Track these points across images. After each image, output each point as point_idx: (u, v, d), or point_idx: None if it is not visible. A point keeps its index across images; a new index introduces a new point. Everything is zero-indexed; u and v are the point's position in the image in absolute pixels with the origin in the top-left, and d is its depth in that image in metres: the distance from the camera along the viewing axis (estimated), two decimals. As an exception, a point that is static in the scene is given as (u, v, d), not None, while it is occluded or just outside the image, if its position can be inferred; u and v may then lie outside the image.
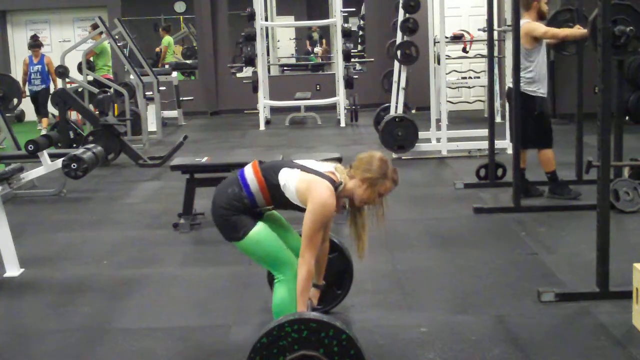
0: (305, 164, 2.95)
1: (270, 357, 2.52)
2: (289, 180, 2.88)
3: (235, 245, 2.98)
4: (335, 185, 2.87)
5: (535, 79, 5.47)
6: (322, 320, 2.53)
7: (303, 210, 2.88)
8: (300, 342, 2.52)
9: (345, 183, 2.91)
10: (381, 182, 2.89)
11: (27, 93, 10.84)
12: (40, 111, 11.02)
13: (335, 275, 3.40)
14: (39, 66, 10.85)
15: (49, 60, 11.00)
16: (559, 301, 3.55)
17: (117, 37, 10.11)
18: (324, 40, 16.75)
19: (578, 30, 5.55)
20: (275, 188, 2.91)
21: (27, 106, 11.75)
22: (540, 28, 5.50)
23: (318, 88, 12.67)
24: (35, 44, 11.04)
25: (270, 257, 2.94)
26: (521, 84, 5.31)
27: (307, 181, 2.86)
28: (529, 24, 5.46)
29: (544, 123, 5.60)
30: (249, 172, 2.97)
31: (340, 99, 10.79)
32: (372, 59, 12.32)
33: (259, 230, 2.93)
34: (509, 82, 5.84)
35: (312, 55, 16.46)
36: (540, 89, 5.51)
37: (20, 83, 10.27)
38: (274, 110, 11.80)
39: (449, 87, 9.89)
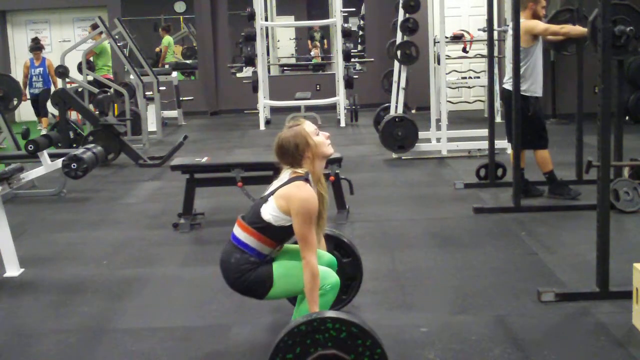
0: (270, 189, 2.96)
1: (302, 345, 2.51)
2: (271, 210, 2.88)
3: (271, 296, 2.94)
4: (305, 177, 2.88)
5: (527, 78, 5.45)
6: (364, 327, 2.53)
7: None
8: (336, 341, 2.51)
9: (308, 171, 2.92)
10: (312, 141, 2.91)
11: (28, 96, 10.82)
12: (40, 111, 11.02)
13: (345, 280, 3.39)
14: (41, 69, 10.82)
15: (50, 63, 10.99)
16: (559, 301, 3.55)
17: (117, 37, 10.10)
18: (319, 42, 16.73)
19: (579, 27, 5.55)
20: (269, 228, 2.89)
21: (28, 113, 11.75)
22: (540, 25, 5.49)
23: (318, 88, 12.68)
24: (36, 46, 11.00)
25: (302, 282, 2.88)
26: (513, 84, 5.30)
27: (281, 195, 2.87)
28: (529, 21, 5.45)
29: (539, 124, 5.59)
30: (240, 232, 2.94)
31: (340, 99, 10.79)
32: (372, 59, 12.33)
33: (277, 265, 2.93)
34: (503, 84, 5.81)
35: (311, 60, 16.44)
36: (530, 89, 5.49)
37: (21, 85, 10.26)
38: (274, 110, 11.80)
39: (449, 87, 9.89)
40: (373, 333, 2.54)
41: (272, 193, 2.91)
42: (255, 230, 2.90)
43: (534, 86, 5.52)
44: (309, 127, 2.96)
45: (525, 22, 5.40)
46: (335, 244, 3.40)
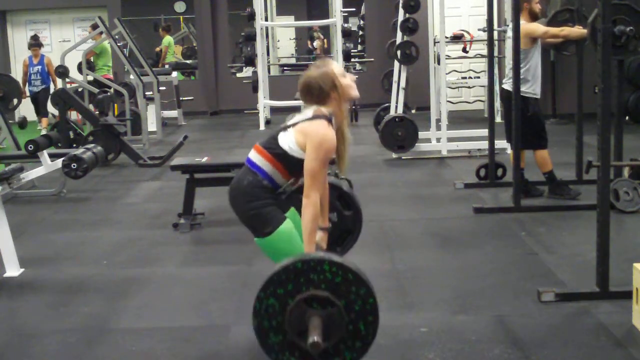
0: (292, 121, 2.94)
1: (296, 282, 2.50)
2: (289, 140, 2.86)
3: (264, 241, 2.89)
4: (328, 117, 2.86)
5: (527, 79, 5.46)
6: (360, 276, 2.51)
7: None
8: (330, 284, 2.50)
9: (331, 112, 2.90)
10: (339, 83, 2.88)
11: (27, 94, 10.82)
12: (40, 111, 11.01)
13: (342, 232, 3.35)
14: (39, 67, 10.82)
15: (49, 60, 10.98)
16: (559, 301, 3.56)
17: (117, 37, 10.10)
18: (324, 38, 16.70)
19: (578, 30, 5.55)
20: (284, 156, 2.87)
21: (28, 112, 11.73)
22: (539, 29, 5.50)
23: (318, 88, 12.65)
24: (35, 43, 11.00)
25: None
26: (513, 84, 5.30)
27: (301, 129, 2.85)
28: (530, 25, 5.46)
29: (538, 124, 5.58)
30: (255, 156, 2.93)
31: (340, 99, 10.77)
32: (372, 59, 12.32)
33: (289, 226, 2.88)
34: (502, 84, 5.82)
35: (313, 54, 16.42)
36: (531, 90, 5.50)
37: (20, 84, 10.25)
38: (274, 110, 11.79)
39: (449, 87, 9.89)
40: (368, 283, 2.52)
41: (294, 125, 2.89)
42: (270, 155, 2.88)
43: (533, 87, 5.52)
44: (337, 68, 2.94)
45: (525, 25, 5.39)
46: (338, 195, 3.33)
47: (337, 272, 2.50)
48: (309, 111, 2.92)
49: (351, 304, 2.52)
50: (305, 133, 2.83)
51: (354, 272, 2.51)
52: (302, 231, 2.81)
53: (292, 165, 2.89)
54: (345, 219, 3.36)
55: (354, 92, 2.96)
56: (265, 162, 2.90)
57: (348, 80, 2.93)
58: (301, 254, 2.60)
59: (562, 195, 5.59)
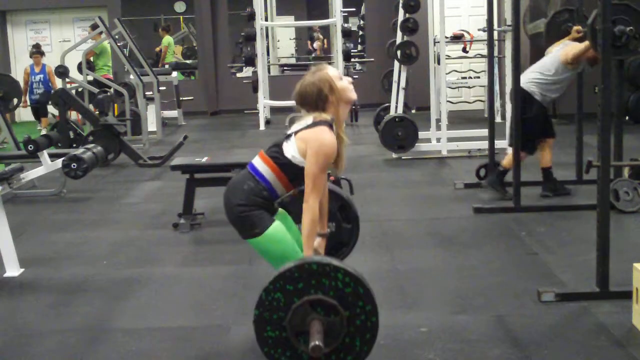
0: (294, 129, 2.92)
1: (306, 283, 2.50)
2: (292, 149, 2.86)
3: (251, 242, 2.89)
4: (329, 122, 2.85)
5: (554, 89, 5.53)
6: (370, 292, 2.52)
7: None
8: (339, 293, 2.51)
9: (332, 117, 2.89)
10: (336, 86, 2.87)
11: (28, 103, 10.78)
12: (40, 112, 10.98)
13: (337, 243, 3.36)
14: (41, 76, 10.73)
15: (50, 69, 10.87)
16: (559, 301, 3.55)
17: (117, 37, 10.10)
18: (324, 39, 16.69)
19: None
20: (289, 166, 2.86)
21: (27, 115, 11.73)
22: (571, 53, 5.46)
23: (318, 88, 12.64)
24: (37, 51, 10.88)
25: (286, 256, 2.86)
26: (512, 82, 5.39)
27: (302, 136, 2.84)
28: (572, 47, 5.49)
29: (537, 127, 5.62)
30: (259, 163, 2.92)
31: (340, 99, 10.76)
32: (372, 59, 12.32)
33: (277, 227, 2.88)
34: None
35: (312, 54, 16.41)
36: (548, 95, 5.57)
37: (22, 92, 10.19)
38: (274, 110, 11.79)
39: (449, 87, 9.87)
40: (375, 301, 2.53)
41: (296, 133, 2.88)
42: (276, 165, 2.87)
43: (551, 96, 5.59)
44: (332, 71, 2.93)
45: (567, 47, 5.48)
46: (341, 206, 3.34)
47: (349, 283, 2.51)
48: (309, 118, 2.90)
49: (354, 317, 2.52)
50: (305, 139, 2.83)
51: (365, 287, 2.53)
52: (302, 235, 2.82)
53: (294, 174, 2.88)
54: (343, 231, 3.39)
55: (352, 94, 2.94)
56: (270, 172, 2.89)
57: (345, 83, 2.92)
58: (320, 257, 2.61)
59: (498, 192, 5.74)
